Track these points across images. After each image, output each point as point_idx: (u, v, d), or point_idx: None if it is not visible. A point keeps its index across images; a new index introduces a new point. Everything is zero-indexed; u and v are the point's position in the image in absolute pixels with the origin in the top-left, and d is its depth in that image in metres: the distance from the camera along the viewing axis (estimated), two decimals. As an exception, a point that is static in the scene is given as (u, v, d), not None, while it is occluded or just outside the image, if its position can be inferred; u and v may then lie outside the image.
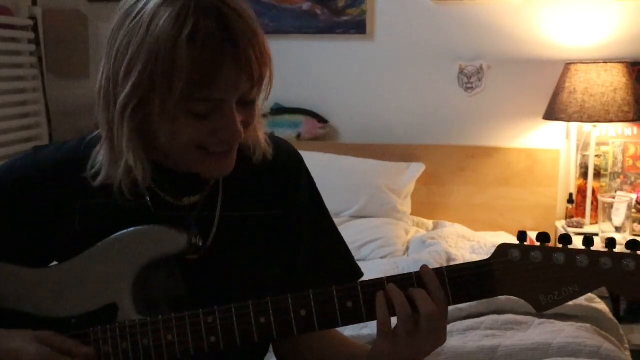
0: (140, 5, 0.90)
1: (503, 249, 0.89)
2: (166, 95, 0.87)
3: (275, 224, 1.07)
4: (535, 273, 0.87)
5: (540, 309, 0.88)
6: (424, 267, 0.92)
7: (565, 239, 0.87)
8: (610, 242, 0.86)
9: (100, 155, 0.98)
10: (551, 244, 0.88)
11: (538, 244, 0.89)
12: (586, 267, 0.85)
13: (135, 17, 0.90)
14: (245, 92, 0.93)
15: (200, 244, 0.98)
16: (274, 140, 1.10)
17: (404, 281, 0.92)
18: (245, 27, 0.89)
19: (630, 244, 0.85)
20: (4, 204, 1.02)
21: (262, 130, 1.04)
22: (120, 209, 1.00)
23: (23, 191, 1.02)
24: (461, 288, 0.90)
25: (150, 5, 0.89)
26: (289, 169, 1.10)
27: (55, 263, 1.04)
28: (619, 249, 0.86)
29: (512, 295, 0.89)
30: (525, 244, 0.89)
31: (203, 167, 0.97)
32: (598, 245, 0.87)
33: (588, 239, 0.86)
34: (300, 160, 1.13)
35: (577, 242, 0.88)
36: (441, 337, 0.92)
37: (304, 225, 1.09)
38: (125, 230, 0.98)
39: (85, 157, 1.02)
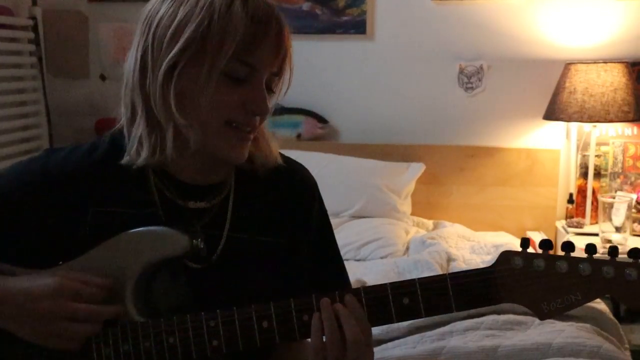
0: None
1: (506, 256, 0.89)
2: (217, 53, 0.92)
3: (280, 251, 1.08)
4: (537, 281, 0.87)
5: (543, 317, 0.88)
6: (348, 297, 0.92)
7: (568, 246, 0.87)
8: (613, 250, 0.86)
9: (135, 136, 0.99)
10: (553, 245, 0.88)
11: (540, 251, 0.88)
12: (588, 276, 0.85)
13: None
14: (271, 77, 0.98)
15: (202, 246, 0.98)
16: (291, 164, 1.13)
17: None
18: (283, 16, 0.97)
19: (632, 253, 0.85)
20: (10, 208, 1.02)
21: (274, 142, 1.09)
22: (132, 218, 1.00)
23: (31, 196, 1.02)
24: (464, 295, 0.90)
25: None
26: (302, 198, 1.12)
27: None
28: (621, 249, 0.85)
29: (515, 303, 0.89)
30: (528, 250, 0.89)
31: (226, 145, 0.98)
32: (599, 246, 0.86)
33: (590, 247, 0.86)
34: (314, 189, 1.14)
35: (578, 243, 0.87)
36: None
37: (309, 253, 1.11)
38: (128, 231, 0.98)
39: (99, 160, 1.03)
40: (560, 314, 0.87)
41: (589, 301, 0.87)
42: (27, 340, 0.93)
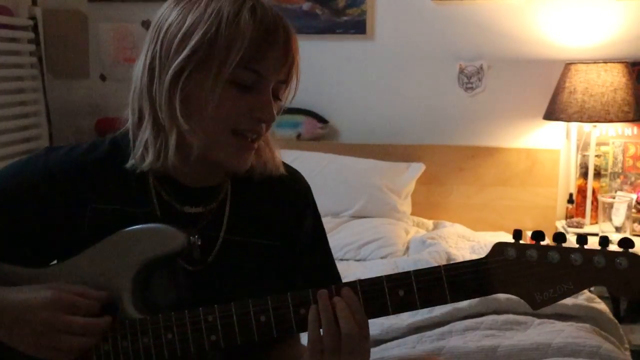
0: None
1: (499, 247, 0.90)
2: (224, 60, 0.92)
3: (275, 254, 1.09)
4: (530, 271, 0.88)
5: (536, 307, 0.89)
6: (344, 290, 0.92)
7: (560, 237, 0.88)
8: (604, 241, 0.87)
9: (141, 140, 0.99)
10: (547, 242, 0.89)
11: (533, 242, 0.89)
12: (580, 265, 0.86)
13: None
14: (278, 85, 0.99)
15: (199, 243, 0.98)
16: (286, 168, 1.13)
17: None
18: (291, 25, 0.99)
19: (622, 242, 0.86)
20: (10, 206, 1.02)
21: (278, 152, 1.09)
22: (130, 216, 1.01)
23: (30, 194, 1.02)
24: (458, 286, 0.91)
25: None
26: (296, 202, 1.13)
27: (54, 262, 1.04)
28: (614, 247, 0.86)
29: (508, 293, 0.90)
30: (521, 242, 0.90)
31: (230, 153, 0.98)
32: (594, 244, 0.87)
33: (582, 237, 0.87)
34: (308, 194, 1.16)
35: (573, 241, 0.88)
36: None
37: (302, 256, 1.12)
38: (125, 229, 0.98)
39: (99, 159, 1.04)
40: (552, 303, 0.88)
41: (581, 290, 0.88)
42: (22, 352, 0.92)
